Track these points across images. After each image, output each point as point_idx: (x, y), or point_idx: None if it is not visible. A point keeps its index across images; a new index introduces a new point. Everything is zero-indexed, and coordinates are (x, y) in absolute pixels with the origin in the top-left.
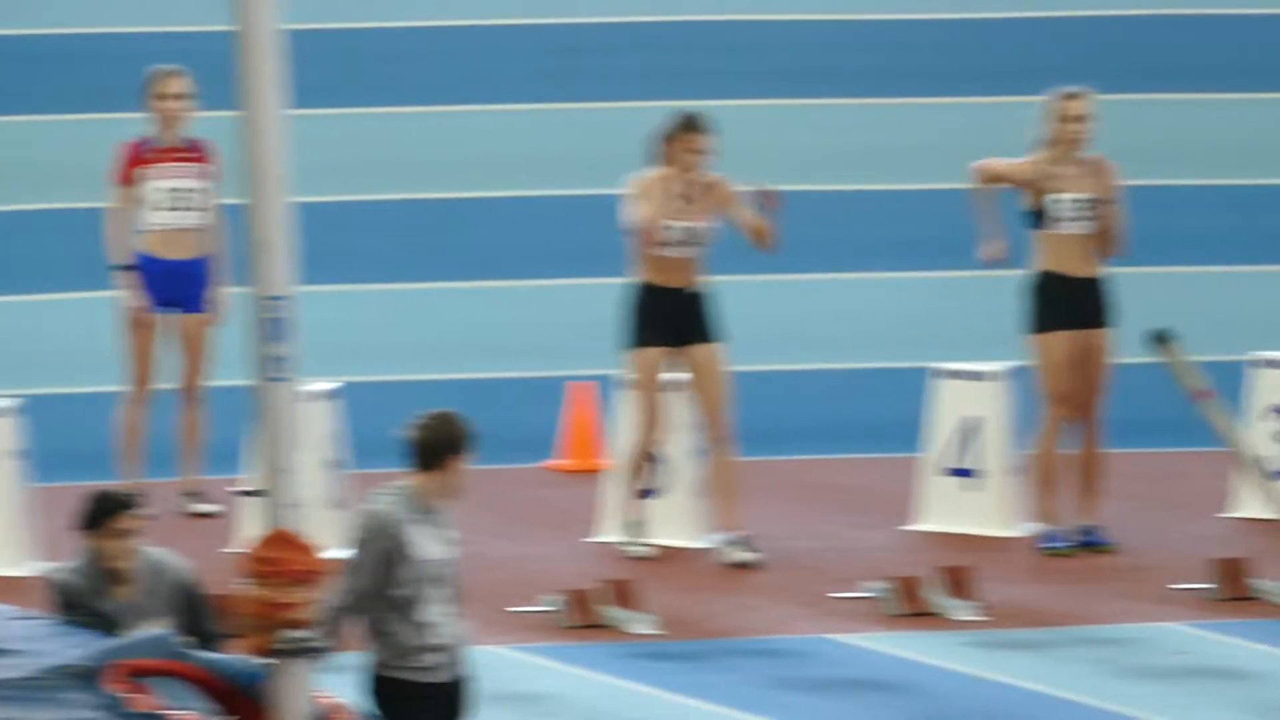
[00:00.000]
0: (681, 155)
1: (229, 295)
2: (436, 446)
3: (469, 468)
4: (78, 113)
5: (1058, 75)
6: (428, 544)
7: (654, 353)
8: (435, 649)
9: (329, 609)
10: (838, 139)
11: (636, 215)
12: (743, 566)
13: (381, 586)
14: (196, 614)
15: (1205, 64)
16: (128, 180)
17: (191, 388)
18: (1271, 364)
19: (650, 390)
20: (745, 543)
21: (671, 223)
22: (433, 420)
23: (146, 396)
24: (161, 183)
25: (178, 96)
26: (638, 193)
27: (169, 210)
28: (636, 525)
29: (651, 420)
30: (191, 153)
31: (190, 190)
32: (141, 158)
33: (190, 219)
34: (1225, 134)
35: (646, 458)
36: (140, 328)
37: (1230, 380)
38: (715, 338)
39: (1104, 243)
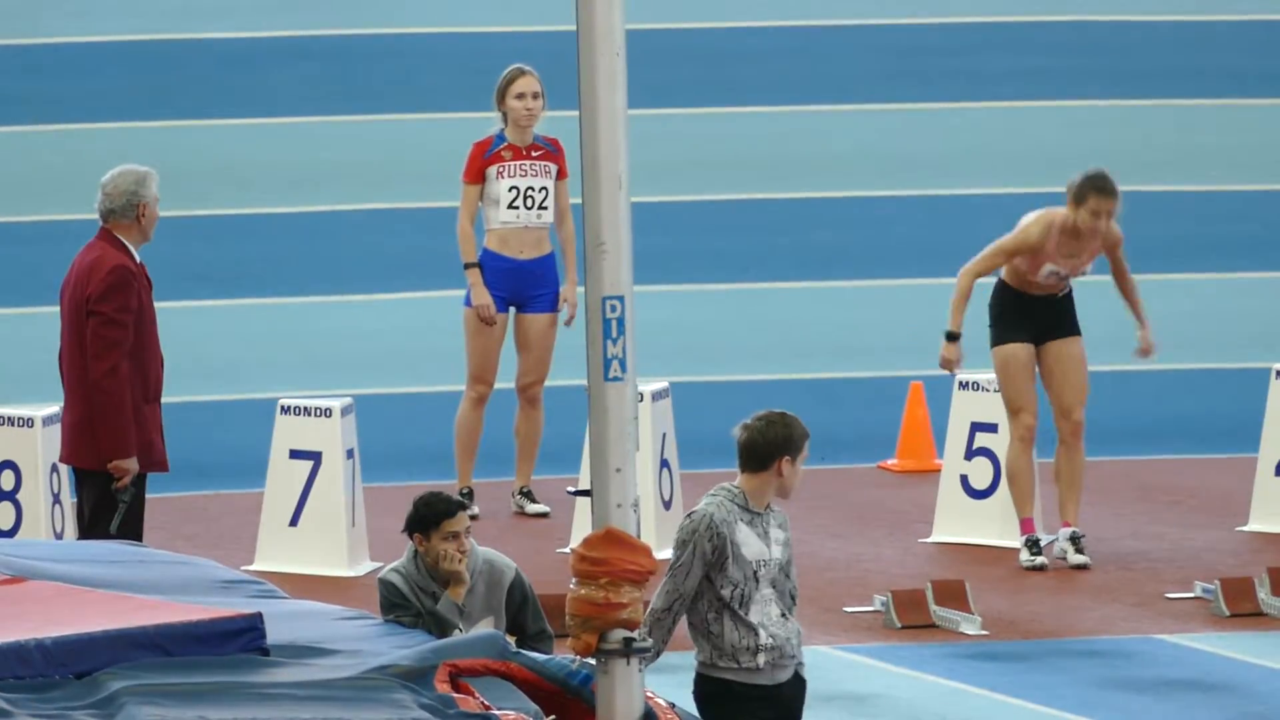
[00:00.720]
0: (1086, 216)
1: (577, 295)
2: (768, 447)
3: (801, 468)
4: (414, 112)
5: None
6: (756, 544)
7: (1020, 349)
8: (763, 649)
9: (656, 610)
10: (1195, 139)
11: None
12: (1079, 568)
13: (705, 587)
14: (525, 614)
15: None
16: (478, 178)
17: (531, 386)
18: None
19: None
20: (1079, 542)
21: (1057, 268)
22: (764, 421)
23: (486, 395)
24: (511, 181)
25: (534, 96)
26: (1034, 232)
27: (518, 209)
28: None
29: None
30: (542, 152)
31: (540, 189)
32: (492, 156)
33: (538, 218)
34: None
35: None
36: (484, 326)
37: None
38: (1074, 332)
39: None
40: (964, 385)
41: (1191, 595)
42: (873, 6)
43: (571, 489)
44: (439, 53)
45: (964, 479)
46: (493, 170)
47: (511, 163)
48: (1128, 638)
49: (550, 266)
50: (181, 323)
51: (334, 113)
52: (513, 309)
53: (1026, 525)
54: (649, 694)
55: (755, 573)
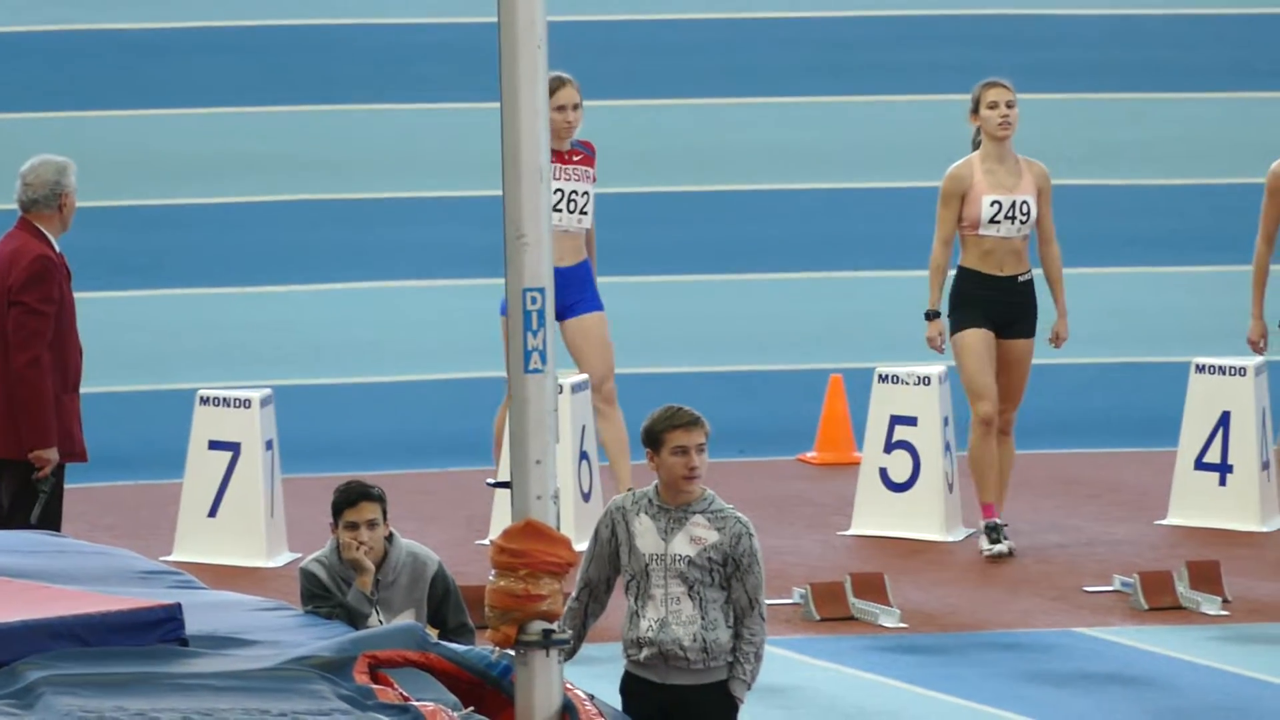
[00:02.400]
0: (989, 115)
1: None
2: (646, 437)
3: (677, 460)
4: (337, 104)
5: None
6: (653, 538)
7: (980, 336)
8: (644, 644)
9: (569, 598)
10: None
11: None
12: (997, 558)
13: (609, 576)
14: (446, 607)
15: None
16: None
17: (604, 384)
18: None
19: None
20: (1000, 531)
21: (998, 199)
22: (655, 412)
23: None
24: (555, 185)
25: (574, 107)
26: (953, 170)
27: (561, 212)
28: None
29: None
30: (582, 156)
31: (582, 194)
32: None
33: (579, 222)
34: None
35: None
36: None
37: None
38: (1029, 333)
39: None
40: (883, 378)
41: (1110, 589)
42: (792, 0)
43: (491, 481)
44: (358, 44)
45: (883, 472)
46: None
47: (554, 165)
48: (1046, 631)
49: (587, 271)
50: (99, 313)
51: (252, 103)
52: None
53: (987, 510)
54: (568, 685)
55: (647, 566)
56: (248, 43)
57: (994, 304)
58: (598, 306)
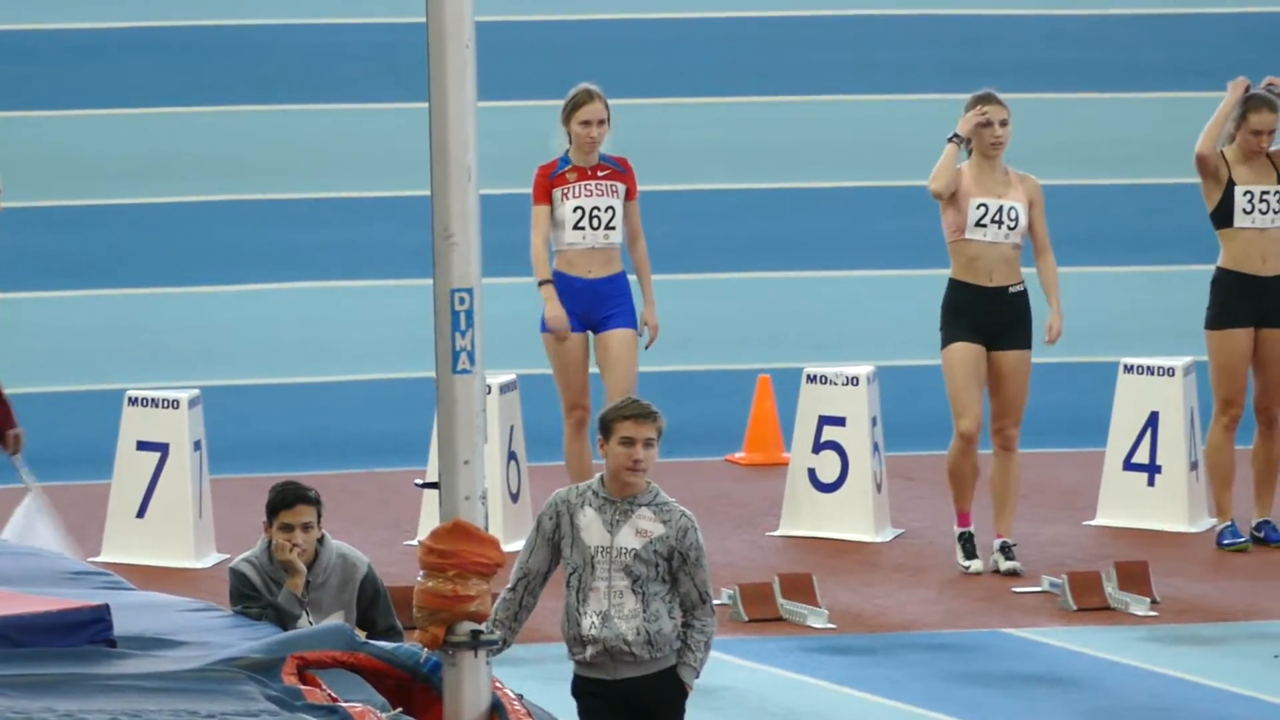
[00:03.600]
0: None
1: (655, 313)
2: (600, 425)
3: (623, 450)
4: (267, 104)
5: None
6: (599, 530)
7: (969, 351)
8: (589, 641)
9: (505, 600)
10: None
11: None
12: (1011, 575)
13: (549, 568)
14: (375, 610)
15: None
16: (546, 199)
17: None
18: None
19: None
20: (1010, 551)
21: (984, 201)
22: (615, 402)
23: (585, 419)
24: (576, 202)
25: (599, 122)
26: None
27: (583, 229)
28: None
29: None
30: (609, 171)
31: (606, 209)
32: (557, 178)
33: (605, 238)
34: None
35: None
36: (563, 350)
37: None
38: (1025, 344)
39: None
40: (812, 379)
41: (1039, 589)
42: (719, 0)
43: (419, 481)
44: (287, 44)
45: (811, 472)
46: (558, 192)
47: (577, 184)
48: (975, 631)
49: (622, 284)
50: (29, 314)
51: (181, 104)
52: (590, 333)
53: (963, 518)
54: (497, 684)
55: (592, 559)
56: (177, 43)
57: (983, 316)
58: (628, 323)
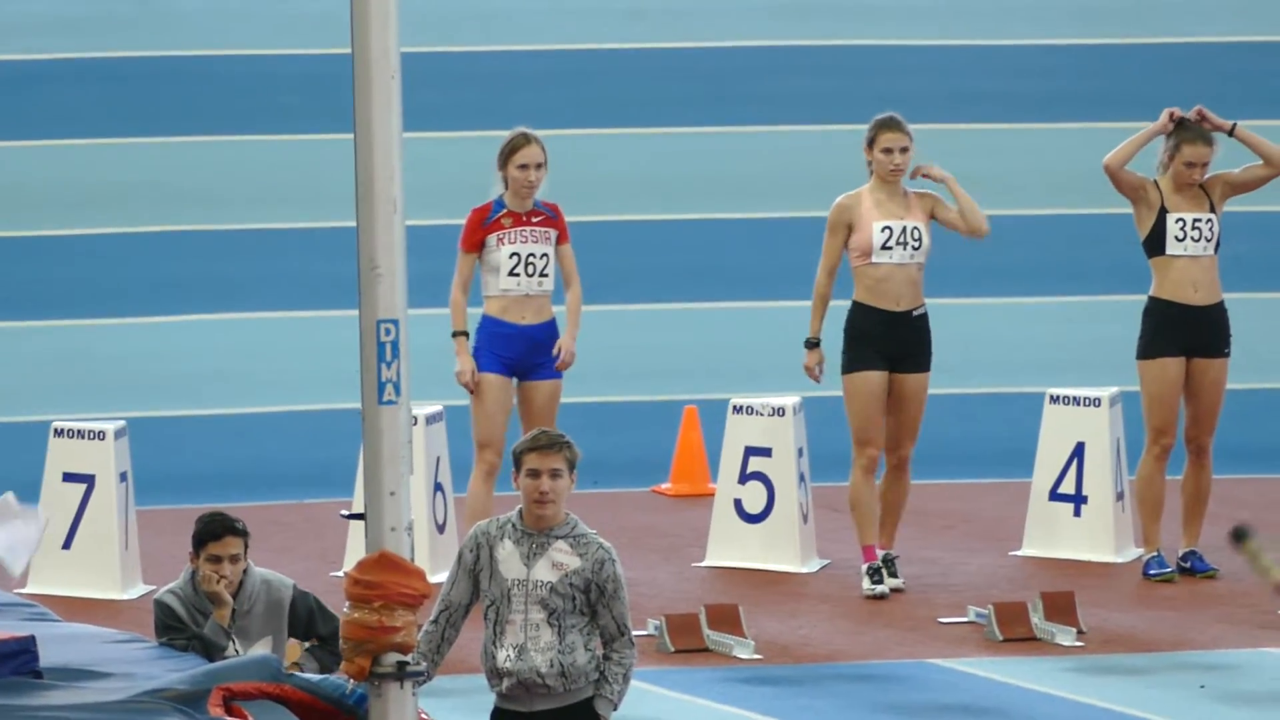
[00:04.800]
0: (880, 156)
1: (574, 341)
2: (513, 458)
3: (529, 483)
4: (201, 134)
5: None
6: (516, 564)
7: (872, 378)
8: (504, 674)
9: (427, 633)
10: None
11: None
12: (894, 591)
13: (471, 600)
14: (315, 623)
15: None
16: (475, 247)
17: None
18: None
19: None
20: (892, 563)
21: (889, 224)
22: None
23: (496, 466)
24: (512, 248)
25: (537, 166)
26: (841, 200)
27: (518, 276)
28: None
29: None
30: (543, 218)
31: (541, 256)
32: (492, 224)
33: (539, 285)
34: None
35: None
36: (486, 394)
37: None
38: (925, 366)
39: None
40: (738, 410)
41: (965, 620)
42: (652, 30)
43: (345, 512)
44: (219, 75)
45: (738, 503)
46: (493, 238)
47: (512, 230)
48: (901, 662)
49: (553, 332)
50: None
51: (114, 134)
52: (514, 380)
53: (868, 553)
54: (423, 715)
55: (509, 591)
56: (108, 73)
57: (887, 340)
58: (557, 374)
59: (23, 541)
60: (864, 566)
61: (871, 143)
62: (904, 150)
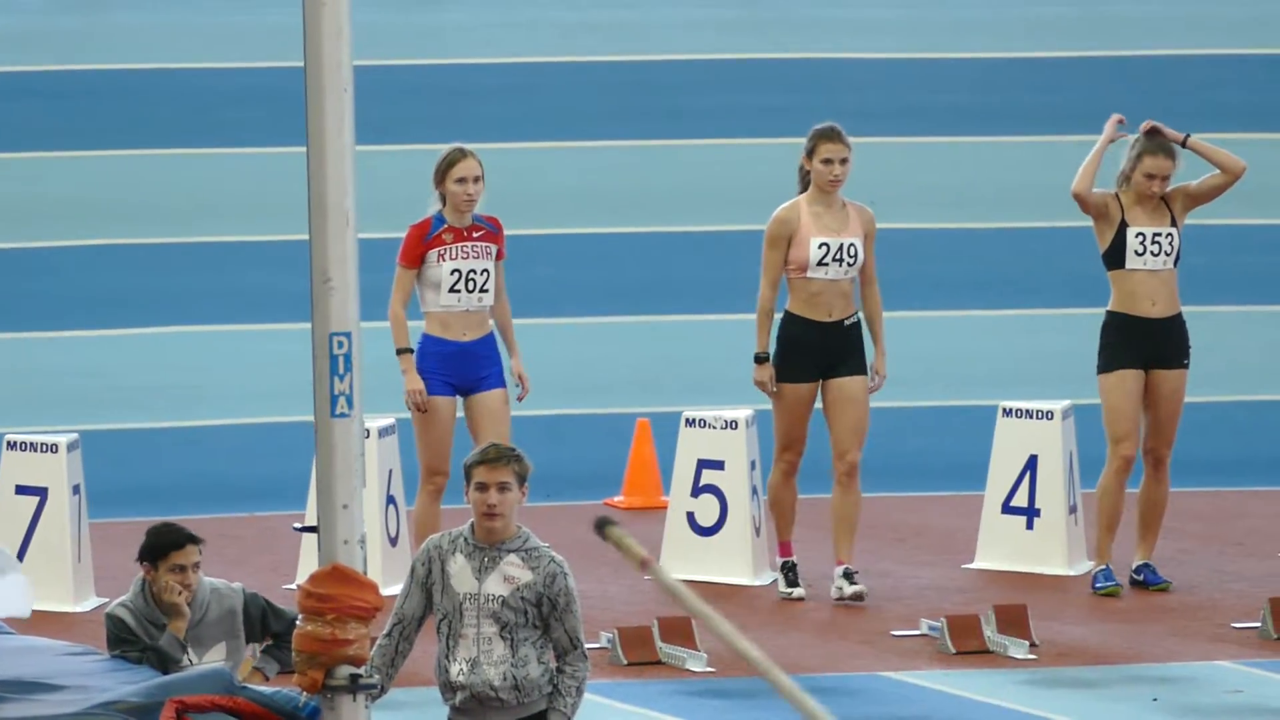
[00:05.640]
0: (819, 167)
1: (522, 365)
2: (464, 472)
3: (478, 496)
4: (144, 148)
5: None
6: (468, 577)
7: (800, 388)
8: (457, 688)
9: (381, 646)
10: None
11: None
12: (855, 599)
13: (423, 613)
14: (269, 621)
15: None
16: (416, 263)
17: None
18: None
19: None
20: (852, 576)
21: (825, 240)
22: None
23: (443, 486)
24: (453, 265)
25: (475, 180)
26: (778, 213)
27: (459, 292)
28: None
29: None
30: (483, 233)
31: (482, 272)
32: (433, 239)
33: (479, 301)
34: None
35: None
36: (432, 414)
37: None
38: (859, 370)
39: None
40: (690, 422)
41: (918, 633)
42: (601, 44)
43: (298, 525)
44: (165, 89)
45: (690, 516)
46: (434, 254)
47: (453, 245)
48: (853, 675)
49: (493, 345)
50: None
51: (59, 148)
52: (459, 397)
53: (784, 549)
54: None
55: (461, 605)
56: (55, 88)
57: (820, 350)
58: (502, 383)
59: (16, 585)
60: (779, 562)
61: (811, 153)
62: (843, 161)
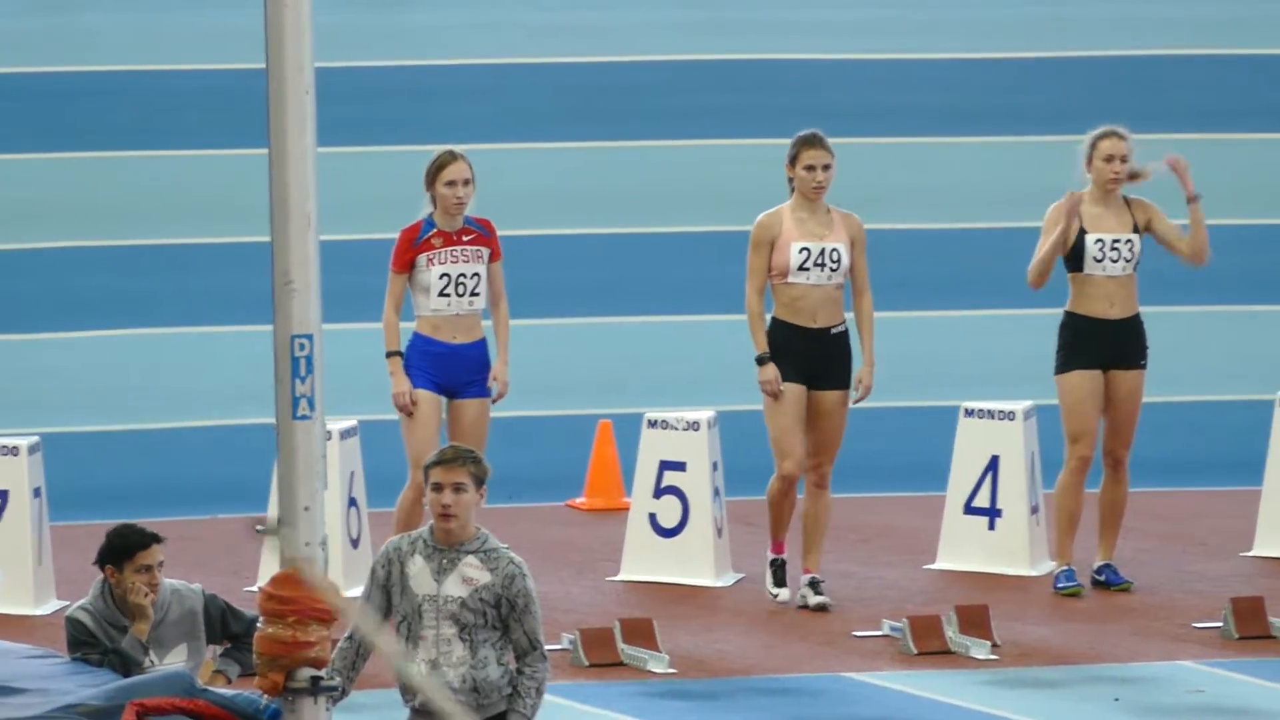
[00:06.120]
0: (803, 174)
1: (506, 370)
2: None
3: (432, 496)
4: (106, 150)
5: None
6: (427, 579)
7: (789, 391)
8: (416, 690)
9: (342, 649)
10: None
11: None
12: (820, 610)
13: (385, 616)
14: (229, 622)
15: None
16: (406, 267)
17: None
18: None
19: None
20: (818, 586)
21: (807, 246)
22: None
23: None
24: (443, 269)
25: (465, 182)
26: (761, 219)
27: (449, 297)
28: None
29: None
30: (474, 236)
31: (472, 276)
32: (422, 244)
33: (470, 305)
34: (1256, 173)
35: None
36: (419, 413)
37: (1261, 418)
38: (843, 383)
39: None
40: (652, 424)
41: (880, 633)
42: (565, 45)
43: (260, 527)
44: (131, 90)
45: (652, 517)
46: (423, 258)
47: (443, 249)
48: (815, 676)
49: (483, 351)
50: None
51: (21, 150)
52: (444, 399)
53: (778, 547)
54: None
55: (420, 607)
56: (18, 89)
57: (805, 356)
58: (486, 392)
59: None
60: (769, 558)
61: (794, 160)
62: (826, 167)
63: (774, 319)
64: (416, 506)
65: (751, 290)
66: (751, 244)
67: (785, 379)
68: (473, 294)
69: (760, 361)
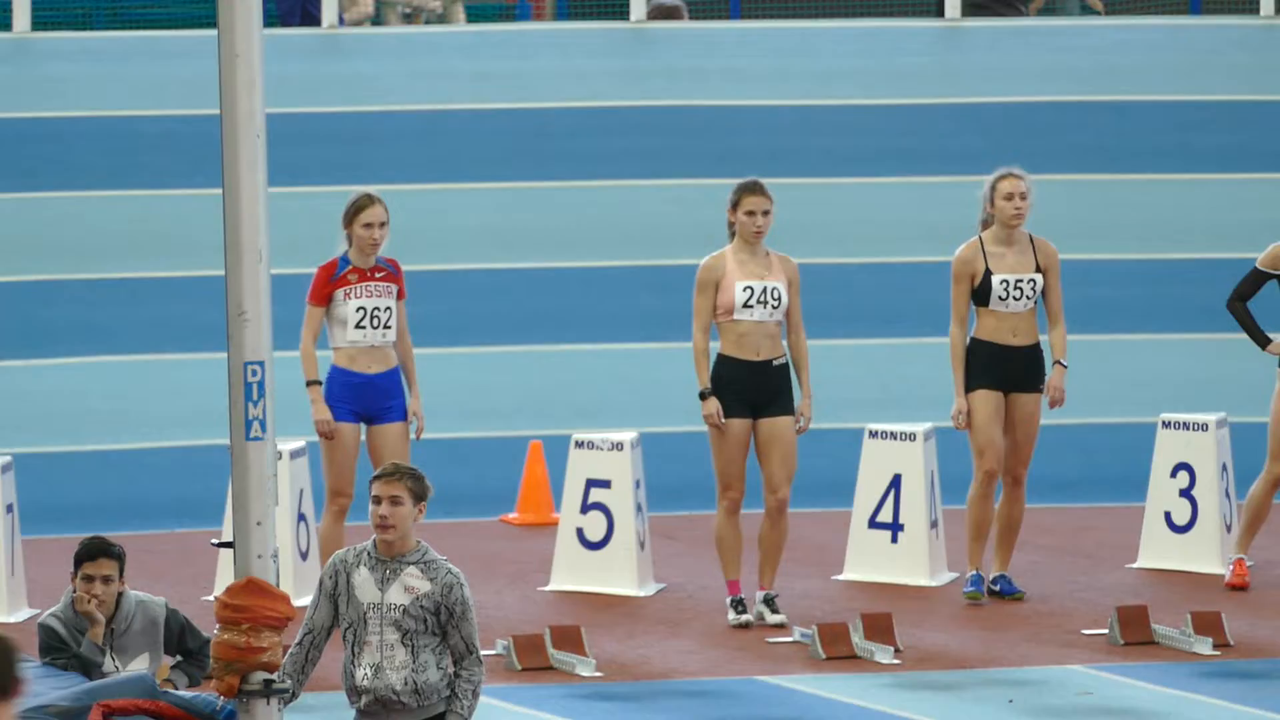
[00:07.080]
0: (744, 219)
1: (420, 404)
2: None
3: (375, 509)
4: (71, 190)
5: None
6: (370, 589)
7: (734, 425)
8: (361, 691)
9: (292, 654)
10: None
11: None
12: (777, 627)
13: (331, 624)
14: (185, 638)
15: (1117, 146)
16: (324, 301)
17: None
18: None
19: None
20: (773, 603)
21: (750, 284)
22: None
23: (347, 507)
24: (359, 302)
25: (380, 225)
26: (705, 262)
27: (365, 329)
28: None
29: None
30: (385, 274)
31: (385, 309)
32: (339, 279)
33: (383, 336)
34: (1139, 211)
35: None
36: (338, 441)
37: (1145, 439)
38: (787, 410)
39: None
40: (580, 445)
41: (791, 639)
42: (497, 92)
43: (215, 541)
44: (91, 134)
45: (580, 531)
46: (340, 293)
47: (358, 285)
48: (731, 679)
49: (397, 379)
50: None
51: None
52: (363, 425)
53: (733, 587)
54: None
55: (365, 615)
56: None
57: (750, 389)
58: (404, 417)
59: None
60: (728, 599)
61: (735, 205)
62: (765, 213)
63: (720, 355)
64: (336, 528)
65: (697, 329)
66: (697, 286)
67: (730, 413)
68: (385, 326)
69: (703, 396)
